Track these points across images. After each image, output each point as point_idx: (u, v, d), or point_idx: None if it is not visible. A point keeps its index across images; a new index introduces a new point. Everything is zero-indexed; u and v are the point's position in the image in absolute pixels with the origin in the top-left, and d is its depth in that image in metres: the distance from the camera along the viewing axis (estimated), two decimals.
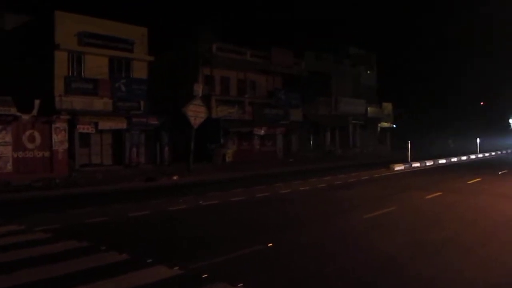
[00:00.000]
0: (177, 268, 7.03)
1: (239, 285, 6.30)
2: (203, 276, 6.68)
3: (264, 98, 33.89)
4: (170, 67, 30.11)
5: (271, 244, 8.61)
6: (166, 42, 30.43)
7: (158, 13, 38.93)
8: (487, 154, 42.30)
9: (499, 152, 46.01)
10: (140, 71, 26.36)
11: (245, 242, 8.76)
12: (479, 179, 20.83)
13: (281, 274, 6.97)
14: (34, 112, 21.51)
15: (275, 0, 58.35)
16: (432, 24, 72.08)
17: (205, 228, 10.44)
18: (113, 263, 7.37)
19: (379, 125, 47.36)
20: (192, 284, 6.52)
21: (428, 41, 64.40)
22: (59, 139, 22.03)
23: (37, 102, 21.59)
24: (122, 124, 24.98)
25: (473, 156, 38.75)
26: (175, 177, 21.69)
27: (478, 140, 43.18)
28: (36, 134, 21.48)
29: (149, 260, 7.43)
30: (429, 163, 30.32)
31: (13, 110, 20.47)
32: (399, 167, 26.55)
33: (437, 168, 28.85)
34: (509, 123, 64.80)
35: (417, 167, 28.29)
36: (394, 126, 49.76)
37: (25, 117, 21.11)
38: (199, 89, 25.33)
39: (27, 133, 21.21)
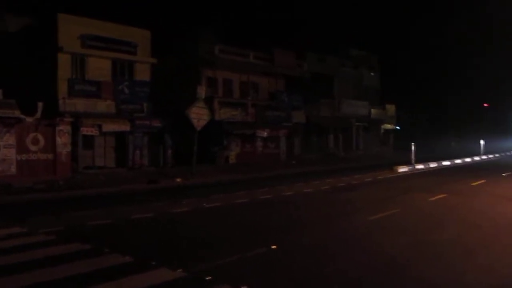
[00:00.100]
0: (180, 270, 7.04)
1: (242, 287, 6.30)
2: (207, 278, 6.69)
3: (267, 100, 33.86)
4: (173, 70, 30.12)
5: (275, 246, 8.61)
6: (168, 45, 30.41)
7: (160, 15, 38.89)
8: (491, 156, 42.12)
9: (503, 154, 45.85)
10: (143, 73, 26.38)
11: (248, 244, 8.76)
12: (483, 181, 20.77)
13: (284, 276, 6.97)
14: (38, 114, 21.56)
15: (275, 0, 58.27)
16: (432, 24, 71.86)
17: (208, 230, 10.45)
18: (116, 266, 7.38)
19: (382, 126, 47.20)
20: (196, 287, 6.53)
21: (428, 41, 64.15)
22: (62, 141, 22.09)
23: (40, 104, 21.63)
24: (125, 127, 25.01)
25: (477, 158, 38.60)
26: (178, 179, 21.70)
27: (482, 141, 43.07)
28: (40, 137, 21.56)
29: (152, 263, 7.43)
30: (432, 165, 30.22)
31: (16, 113, 20.51)
32: (402, 169, 26.51)
33: (441, 170, 28.75)
34: None
35: (421, 169, 28.21)
36: (398, 127, 49.62)
37: (29, 119, 21.16)
38: (202, 91, 25.31)
39: (31, 135, 21.28)
